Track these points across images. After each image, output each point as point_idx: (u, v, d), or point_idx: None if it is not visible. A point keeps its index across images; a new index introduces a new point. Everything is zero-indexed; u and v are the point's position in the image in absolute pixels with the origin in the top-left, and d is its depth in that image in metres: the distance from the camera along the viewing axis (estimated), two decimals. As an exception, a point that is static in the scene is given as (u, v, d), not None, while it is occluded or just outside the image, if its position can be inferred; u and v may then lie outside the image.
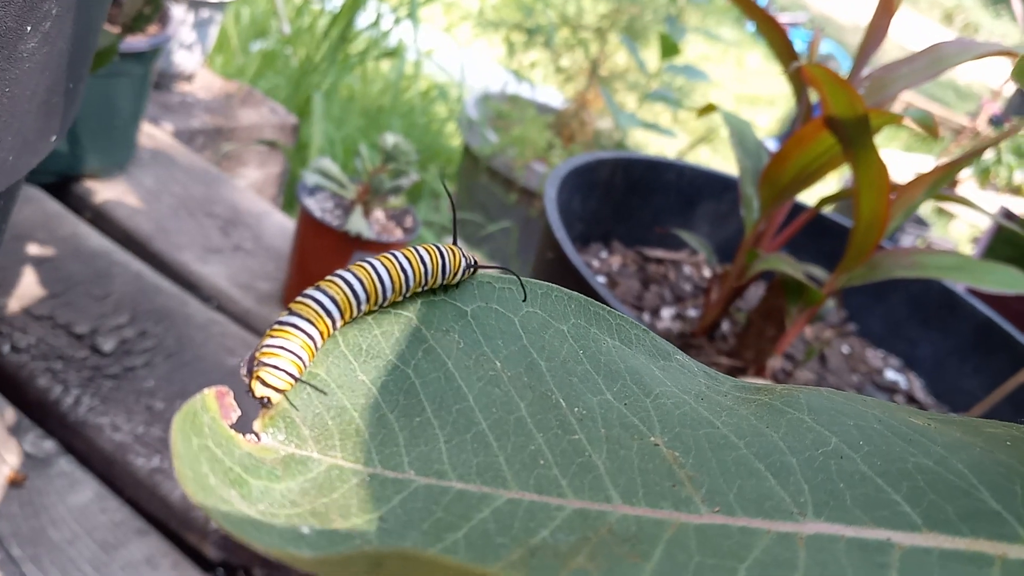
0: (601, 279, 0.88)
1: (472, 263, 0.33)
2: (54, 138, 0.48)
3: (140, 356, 0.99)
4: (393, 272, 0.31)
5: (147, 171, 1.36)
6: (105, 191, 1.27)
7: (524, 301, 0.30)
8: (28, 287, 1.02)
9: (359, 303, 0.30)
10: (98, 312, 1.03)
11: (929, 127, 0.60)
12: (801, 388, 0.27)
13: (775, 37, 0.75)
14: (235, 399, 0.24)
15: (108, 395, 0.93)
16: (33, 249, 1.09)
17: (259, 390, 0.27)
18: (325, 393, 0.27)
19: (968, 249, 2.47)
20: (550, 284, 0.30)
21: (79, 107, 0.52)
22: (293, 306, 0.30)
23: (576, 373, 0.28)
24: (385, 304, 0.31)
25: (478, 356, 0.28)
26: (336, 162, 1.89)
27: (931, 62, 0.69)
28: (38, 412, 0.90)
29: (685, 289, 0.91)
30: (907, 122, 0.63)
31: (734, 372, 0.78)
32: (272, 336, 0.29)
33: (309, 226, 1.10)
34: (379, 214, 1.15)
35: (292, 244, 1.15)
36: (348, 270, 0.30)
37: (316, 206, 1.11)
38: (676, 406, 0.27)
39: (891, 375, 0.92)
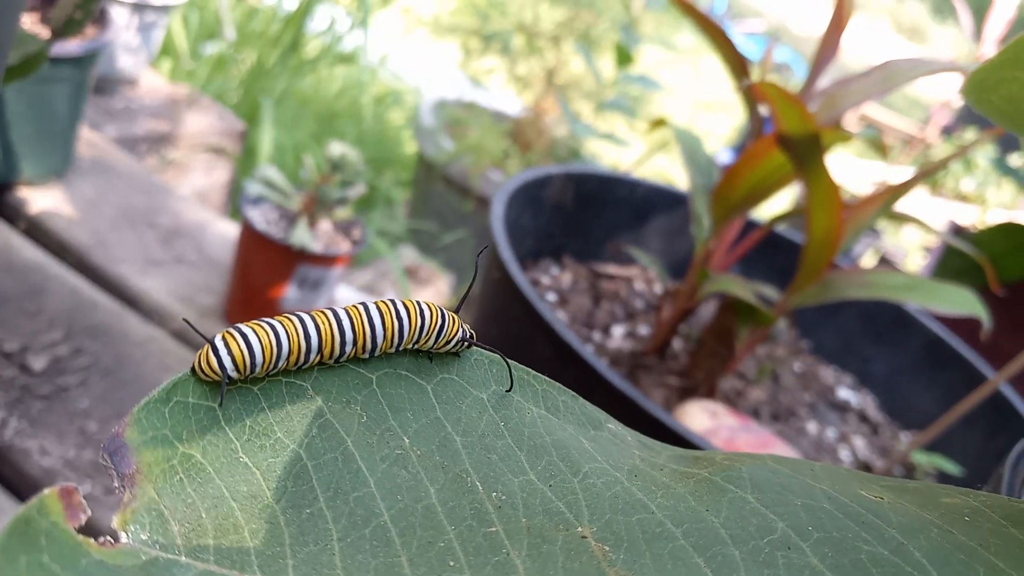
0: (552, 296, 0.86)
1: (467, 335, 0.29)
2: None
3: (74, 375, 0.95)
4: (357, 322, 0.28)
5: (86, 179, 1.31)
6: (41, 200, 1.22)
7: (510, 391, 0.26)
8: (-47, 304, 0.97)
9: (310, 349, 0.27)
10: (30, 329, 0.98)
11: (879, 146, 0.59)
12: (744, 459, 0.24)
13: (725, 50, 0.73)
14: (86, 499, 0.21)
15: (37, 417, 0.88)
16: (-40, 263, 1.04)
17: (199, 364, 0.26)
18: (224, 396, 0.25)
19: (920, 257, 2.49)
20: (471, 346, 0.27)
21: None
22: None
23: (496, 449, 0.25)
24: (343, 359, 0.28)
25: (383, 432, 0.25)
26: (285, 170, 1.84)
27: (884, 78, 0.68)
28: (-39, 437, 0.85)
29: (637, 306, 0.89)
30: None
31: (685, 392, 0.77)
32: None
33: (251, 238, 1.06)
34: (325, 225, 1.12)
35: (234, 257, 1.12)
36: (309, 312, 0.28)
37: (260, 217, 1.07)
38: (607, 487, 0.24)
39: (844, 393, 0.91)
